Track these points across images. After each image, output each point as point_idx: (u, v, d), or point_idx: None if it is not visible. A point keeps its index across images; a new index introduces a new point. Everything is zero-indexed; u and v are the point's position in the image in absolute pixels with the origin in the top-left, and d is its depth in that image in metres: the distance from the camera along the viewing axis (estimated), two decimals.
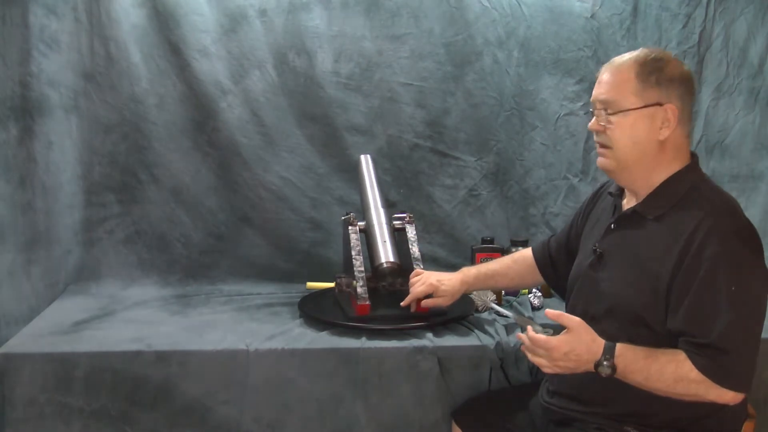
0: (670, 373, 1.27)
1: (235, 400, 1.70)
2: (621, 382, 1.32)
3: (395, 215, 2.02)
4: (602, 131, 1.39)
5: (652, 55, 1.38)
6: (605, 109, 1.37)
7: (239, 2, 2.23)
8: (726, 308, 1.25)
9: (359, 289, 1.81)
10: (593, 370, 1.31)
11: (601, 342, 1.32)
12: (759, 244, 1.31)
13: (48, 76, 2.02)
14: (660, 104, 1.34)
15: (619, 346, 1.31)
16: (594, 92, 1.41)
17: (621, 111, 1.35)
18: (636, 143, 1.36)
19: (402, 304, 1.83)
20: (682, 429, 1.35)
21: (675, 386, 1.28)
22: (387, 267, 1.87)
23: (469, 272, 1.82)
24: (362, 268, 1.85)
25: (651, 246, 1.35)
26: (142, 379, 1.67)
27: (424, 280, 1.81)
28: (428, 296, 1.80)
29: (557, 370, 1.35)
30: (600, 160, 1.43)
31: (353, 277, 1.86)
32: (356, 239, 1.89)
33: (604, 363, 1.29)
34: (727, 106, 2.38)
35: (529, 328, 1.38)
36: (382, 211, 1.98)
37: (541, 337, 1.35)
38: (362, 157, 2.15)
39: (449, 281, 1.80)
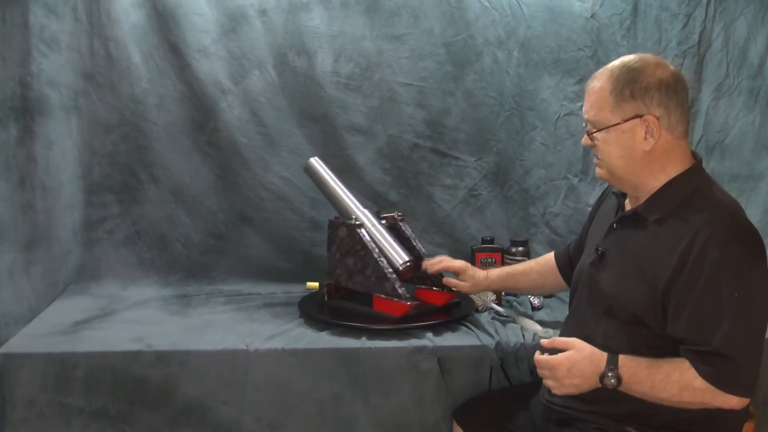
0: (675, 381, 1.27)
1: (235, 400, 1.70)
2: None
3: (381, 215, 2.00)
4: (592, 146, 1.42)
5: (627, 66, 1.36)
6: (590, 127, 1.40)
7: (239, 2, 2.23)
8: (728, 315, 1.24)
9: (400, 290, 1.81)
10: (599, 384, 1.32)
11: (602, 354, 1.33)
12: (761, 249, 1.30)
13: (48, 76, 2.02)
14: (639, 116, 1.34)
15: (621, 356, 1.31)
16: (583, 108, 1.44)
17: (603, 129, 1.37)
18: (622, 157, 1.37)
19: (430, 270, 1.89)
20: (682, 430, 1.35)
21: (681, 395, 1.28)
22: (404, 268, 1.87)
23: (492, 271, 1.88)
24: (391, 269, 1.84)
25: (651, 248, 1.35)
26: (142, 379, 1.67)
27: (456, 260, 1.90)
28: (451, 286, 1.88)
29: (565, 390, 1.36)
30: (596, 170, 1.47)
31: (348, 280, 1.87)
32: (371, 242, 1.86)
33: (609, 374, 1.30)
34: (727, 106, 2.38)
35: (537, 352, 1.39)
36: (367, 212, 1.96)
37: (544, 357, 1.37)
38: (312, 160, 2.04)
39: (476, 269, 1.88)
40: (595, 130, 1.38)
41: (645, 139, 1.34)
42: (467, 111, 2.36)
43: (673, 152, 1.37)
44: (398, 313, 1.81)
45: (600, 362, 1.32)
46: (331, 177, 2.02)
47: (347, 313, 1.87)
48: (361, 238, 1.86)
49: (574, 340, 1.37)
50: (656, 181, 1.38)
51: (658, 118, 1.33)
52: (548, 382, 1.38)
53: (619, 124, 1.35)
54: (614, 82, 1.35)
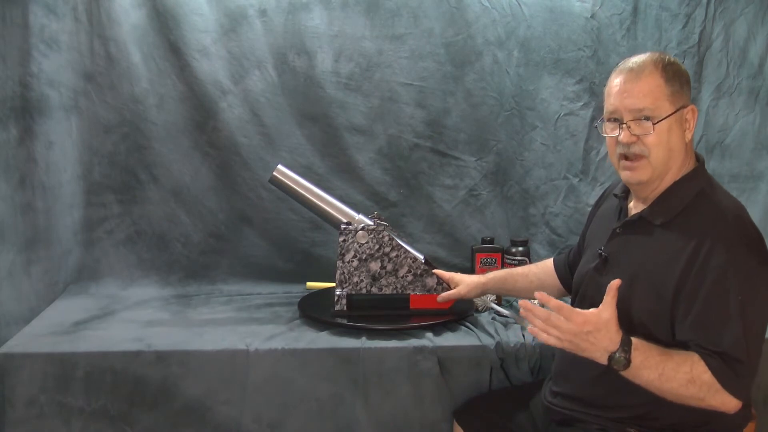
0: (685, 372, 1.25)
1: (235, 400, 1.70)
2: (626, 386, 1.30)
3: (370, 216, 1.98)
4: (636, 141, 1.35)
5: (666, 58, 1.37)
6: (646, 118, 1.34)
7: (239, 2, 2.23)
8: (735, 317, 1.24)
9: (438, 287, 1.88)
10: (604, 362, 1.27)
11: (619, 335, 1.27)
12: (766, 252, 1.30)
13: (48, 76, 2.02)
14: (684, 106, 1.36)
15: (635, 340, 1.27)
16: (617, 102, 1.37)
17: (664, 119, 1.33)
18: (671, 149, 1.36)
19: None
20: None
21: (687, 387, 1.25)
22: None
23: (488, 274, 1.87)
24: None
25: (657, 253, 1.35)
26: (142, 379, 1.67)
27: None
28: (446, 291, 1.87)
29: (564, 345, 1.29)
30: (629, 174, 1.38)
31: (372, 285, 1.87)
32: (400, 243, 1.89)
33: (618, 355, 1.25)
34: (727, 106, 2.38)
35: (552, 300, 1.30)
36: (363, 216, 1.93)
37: (568, 306, 1.28)
38: (281, 167, 1.94)
39: (467, 275, 1.87)
40: (657, 120, 1.34)
41: (685, 130, 1.37)
42: (467, 111, 2.36)
43: (690, 148, 1.40)
44: (447, 305, 1.85)
45: (616, 341, 1.26)
46: (310, 184, 1.96)
47: (382, 320, 1.83)
48: (390, 241, 1.86)
49: (614, 312, 1.27)
50: (665, 180, 1.38)
51: (696, 110, 1.37)
52: (552, 331, 1.28)
53: (674, 113, 1.34)
54: (664, 72, 1.35)
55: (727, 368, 1.24)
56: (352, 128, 2.33)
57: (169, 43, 2.21)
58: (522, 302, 1.33)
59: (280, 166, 1.95)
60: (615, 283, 1.28)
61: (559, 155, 2.40)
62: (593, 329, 1.26)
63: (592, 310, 1.28)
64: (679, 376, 1.25)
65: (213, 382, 1.69)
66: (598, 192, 2.31)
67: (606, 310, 1.27)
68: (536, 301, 1.33)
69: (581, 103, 2.38)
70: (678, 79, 1.36)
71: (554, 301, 1.29)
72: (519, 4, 2.33)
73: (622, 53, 2.24)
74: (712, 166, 2.36)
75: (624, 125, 1.36)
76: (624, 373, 1.28)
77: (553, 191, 2.41)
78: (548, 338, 1.29)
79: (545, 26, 2.35)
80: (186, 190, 2.28)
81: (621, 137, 1.36)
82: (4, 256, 1.79)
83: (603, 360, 1.27)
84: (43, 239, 2.00)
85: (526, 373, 1.77)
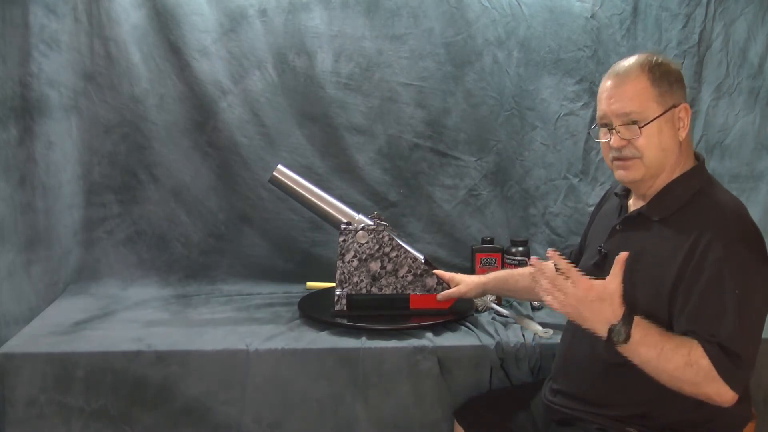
0: (683, 354, 1.24)
1: (235, 400, 1.70)
2: (627, 385, 1.31)
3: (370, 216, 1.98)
4: (626, 145, 1.37)
5: (654, 59, 1.38)
6: (634, 122, 1.35)
7: (239, 2, 2.24)
8: (731, 311, 1.24)
9: (438, 287, 1.88)
10: (603, 335, 1.26)
11: (622, 309, 1.27)
12: (764, 249, 1.30)
13: (48, 76, 2.02)
14: (675, 106, 1.36)
15: (637, 317, 1.27)
16: (605, 107, 1.38)
17: (652, 121, 1.34)
18: (664, 149, 1.36)
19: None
20: (682, 431, 1.35)
21: (683, 370, 1.24)
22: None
23: (489, 274, 1.88)
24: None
25: (656, 249, 1.35)
26: (142, 379, 1.67)
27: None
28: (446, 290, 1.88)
29: (567, 311, 1.29)
30: (623, 173, 1.40)
31: (372, 285, 1.87)
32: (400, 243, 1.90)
33: (618, 328, 1.25)
34: (727, 106, 2.38)
35: (551, 251, 1.31)
36: (363, 216, 1.93)
37: (577, 271, 1.28)
38: (281, 167, 1.93)
39: (467, 275, 1.89)
40: (643, 124, 1.34)
41: (678, 129, 1.37)
42: (467, 111, 2.36)
43: (690, 148, 1.41)
44: (447, 305, 1.86)
45: (617, 315, 1.26)
46: (310, 184, 1.95)
47: (382, 320, 1.83)
48: (390, 241, 1.87)
49: (620, 284, 1.27)
50: (666, 177, 1.38)
51: (689, 108, 1.37)
52: (557, 294, 1.28)
53: (663, 114, 1.35)
54: (651, 74, 1.35)
55: (725, 357, 1.24)
56: (352, 128, 2.33)
57: (169, 43, 2.21)
58: (533, 259, 1.34)
59: (280, 166, 1.95)
60: (623, 255, 1.27)
61: (559, 155, 2.40)
62: (597, 298, 1.26)
63: (599, 280, 1.28)
64: (677, 357, 1.24)
65: (213, 382, 1.69)
66: (597, 192, 2.32)
67: (612, 282, 1.27)
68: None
69: (581, 103, 2.38)
70: (666, 78, 1.36)
71: (564, 262, 1.29)
72: (519, 4, 2.33)
73: (622, 53, 2.24)
74: (712, 166, 2.36)
75: (614, 130, 1.38)
76: (622, 349, 1.27)
77: (553, 191, 2.41)
78: (552, 301, 1.30)
79: (545, 26, 2.35)
80: (186, 190, 2.28)
81: (612, 142, 1.38)
82: (4, 256, 1.79)
83: (603, 332, 1.27)
84: (43, 239, 2.00)
85: (526, 373, 1.76)
